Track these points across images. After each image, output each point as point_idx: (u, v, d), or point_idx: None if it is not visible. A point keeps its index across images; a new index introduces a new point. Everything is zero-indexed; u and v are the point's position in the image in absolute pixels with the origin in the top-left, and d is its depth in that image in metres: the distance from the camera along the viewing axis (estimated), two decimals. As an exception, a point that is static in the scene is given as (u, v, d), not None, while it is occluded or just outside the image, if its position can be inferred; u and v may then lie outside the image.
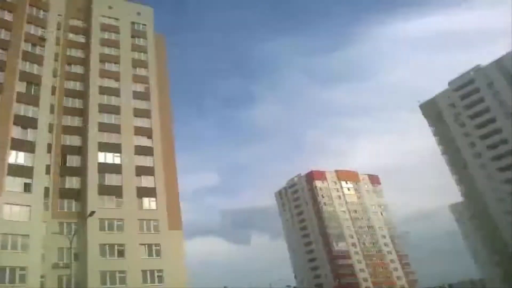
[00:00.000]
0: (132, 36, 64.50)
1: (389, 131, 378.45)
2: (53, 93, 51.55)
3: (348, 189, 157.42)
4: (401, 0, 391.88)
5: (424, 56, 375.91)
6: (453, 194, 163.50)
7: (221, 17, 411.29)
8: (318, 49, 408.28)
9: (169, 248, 50.11)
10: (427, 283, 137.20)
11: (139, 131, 57.02)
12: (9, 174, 41.93)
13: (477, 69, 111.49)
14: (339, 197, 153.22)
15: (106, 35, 62.36)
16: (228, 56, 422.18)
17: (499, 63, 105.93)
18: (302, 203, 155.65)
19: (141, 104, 59.30)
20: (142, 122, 57.94)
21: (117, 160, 53.12)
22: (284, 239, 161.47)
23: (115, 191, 50.73)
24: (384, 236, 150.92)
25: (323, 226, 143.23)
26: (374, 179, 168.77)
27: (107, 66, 59.96)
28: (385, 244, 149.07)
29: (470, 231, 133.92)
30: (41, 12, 54.51)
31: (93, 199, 48.52)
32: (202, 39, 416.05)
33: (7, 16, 50.33)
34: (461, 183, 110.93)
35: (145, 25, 66.79)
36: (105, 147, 52.99)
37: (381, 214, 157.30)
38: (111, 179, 51.28)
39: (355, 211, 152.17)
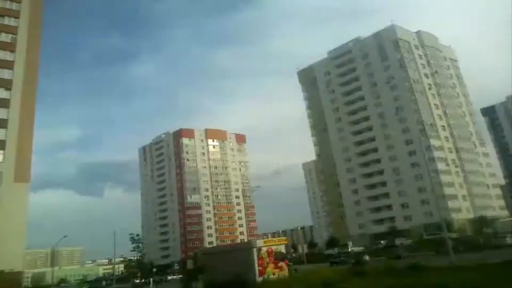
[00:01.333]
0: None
1: (267, 94, 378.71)
2: None
3: (214, 147, 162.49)
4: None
5: (315, 26, 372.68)
6: (310, 153, 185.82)
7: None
8: (205, 10, 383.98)
9: (11, 200, 49.26)
10: (265, 230, 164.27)
11: (-3, 82, 54.03)
12: None
13: (356, 40, 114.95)
14: (203, 154, 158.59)
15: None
16: (109, 13, 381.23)
17: (377, 36, 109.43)
18: (165, 158, 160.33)
19: (4, 55, 56.77)
20: (2, 73, 55.70)
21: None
22: (140, 193, 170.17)
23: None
24: (237, 190, 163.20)
25: (181, 180, 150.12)
26: (240, 138, 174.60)
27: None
28: (236, 197, 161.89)
29: (315, 186, 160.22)
30: None
31: None
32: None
33: None
34: (318, 144, 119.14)
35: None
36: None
37: (240, 171, 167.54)
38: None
39: (216, 167, 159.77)
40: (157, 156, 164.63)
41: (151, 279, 74.41)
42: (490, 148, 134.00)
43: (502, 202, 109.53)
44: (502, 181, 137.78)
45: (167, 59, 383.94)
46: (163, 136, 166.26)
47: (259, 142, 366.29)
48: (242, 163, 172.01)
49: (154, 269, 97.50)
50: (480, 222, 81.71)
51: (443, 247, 39.68)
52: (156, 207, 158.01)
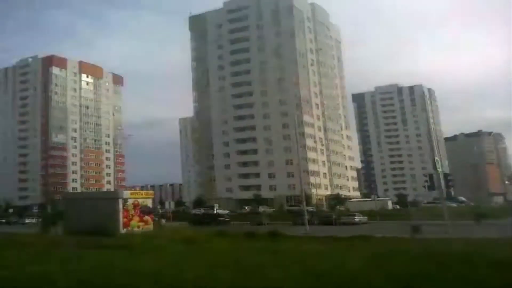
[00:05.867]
0: None
1: (155, 37, 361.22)
2: None
3: (87, 84, 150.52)
4: None
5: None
6: (188, 109, 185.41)
7: None
8: None
9: None
10: (134, 182, 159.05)
11: None
12: None
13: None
14: (75, 89, 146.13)
15: None
16: None
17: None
18: (30, 87, 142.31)
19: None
20: None
21: None
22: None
23: None
24: (108, 136, 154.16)
25: (47, 115, 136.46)
26: (118, 79, 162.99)
27: None
28: (107, 143, 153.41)
29: (189, 144, 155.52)
30: None
31: None
32: None
33: None
34: (198, 100, 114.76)
35: None
36: None
37: (113, 115, 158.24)
38: None
39: (87, 107, 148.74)
40: (22, 82, 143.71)
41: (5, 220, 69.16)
42: (353, 133, 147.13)
43: (356, 184, 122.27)
44: (359, 165, 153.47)
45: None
46: (30, 60, 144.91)
47: (137, 87, 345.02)
48: (116, 107, 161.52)
49: (10, 210, 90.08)
50: (335, 200, 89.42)
51: (300, 219, 43.65)
52: (16, 142, 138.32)
